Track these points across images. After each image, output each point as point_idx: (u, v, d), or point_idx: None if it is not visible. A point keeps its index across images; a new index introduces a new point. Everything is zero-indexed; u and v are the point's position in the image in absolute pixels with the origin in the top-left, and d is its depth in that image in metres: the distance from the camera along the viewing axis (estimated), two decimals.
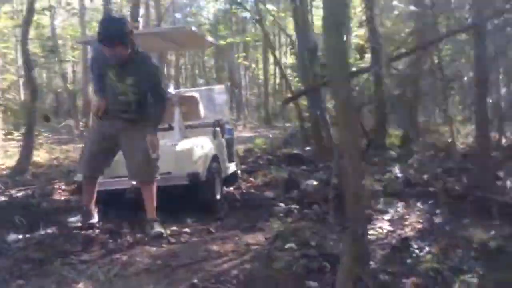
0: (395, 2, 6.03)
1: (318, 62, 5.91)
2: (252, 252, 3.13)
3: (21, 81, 14.22)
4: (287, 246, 3.11)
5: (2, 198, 4.86)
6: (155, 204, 3.69)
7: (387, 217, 3.88)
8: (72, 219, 3.80)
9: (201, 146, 4.41)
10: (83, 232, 3.56)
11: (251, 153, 8.87)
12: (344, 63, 2.32)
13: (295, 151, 8.33)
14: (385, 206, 4.09)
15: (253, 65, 33.11)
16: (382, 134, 7.96)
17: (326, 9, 2.36)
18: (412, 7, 5.19)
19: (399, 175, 5.10)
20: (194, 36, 4.97)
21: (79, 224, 3.69)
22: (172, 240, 3.49)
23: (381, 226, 3.64)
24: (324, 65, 5.34)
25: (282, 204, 4.18)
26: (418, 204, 4.23)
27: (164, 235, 3.50)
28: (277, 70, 32.02)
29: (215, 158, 4.61)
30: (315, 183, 5.26)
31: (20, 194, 5.22)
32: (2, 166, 9.22)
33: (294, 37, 7.98)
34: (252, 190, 5.35)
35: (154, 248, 3.31)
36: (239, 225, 3.90)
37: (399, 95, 7.20)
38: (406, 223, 3.75)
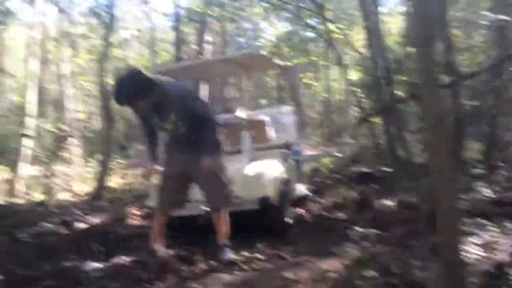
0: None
1: (393, 79, 5.61)
2: (330, 280, 2.96)
3: (98, 111, 15.06)
4: (367, 273, 2.91)
5: (82, 225, 5.04)
6: (227, 229, 3.64)
7: (476, 240, 3.55)
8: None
9: (271, 169, 4.32)
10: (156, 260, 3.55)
11: (317, 173, 8.67)
12: (435, 79, 2.15)
13: (364, 170, 8.04)
14: (473, 228, 3.75)
15: (315, 83, 32.99)
16: (459, 148, 7.46)
17: (417, 22, 2.21)
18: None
19: (486, 193, 4.70)
20: (262, 60, 4.98)
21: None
22: (245, 267, 3.40)
23: (471, 250, 3.32)
24: (407, 81, 5.04)
25: (358, 228, 3.97)
26: (511, 225, 3.84)
27: (237, 262, 3.42)
28: (341, 87, 31.82)
29: (285, 181, 4.50)
30: (391, 203, 5.01)
31: (97, 220, 5.39)
32: (81, 193, 9.72)
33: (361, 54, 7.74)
34: (323, 212, 5.16)
35: (227, 276, 3.23)
36: (313, 250, 3.74)
37: (478, 107, 6.74)
38: (498, 246, 3.40)
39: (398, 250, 3.37)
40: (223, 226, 3.63)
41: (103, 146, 7.80)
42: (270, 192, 4.12)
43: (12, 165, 11.20)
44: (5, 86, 24.64)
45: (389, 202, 5.14)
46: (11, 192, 9.70)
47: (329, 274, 3.09)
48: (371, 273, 2.91)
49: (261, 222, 4.20)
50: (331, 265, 3.27)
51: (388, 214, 4.40)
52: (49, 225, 5.03)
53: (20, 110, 12.02)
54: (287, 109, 6.00)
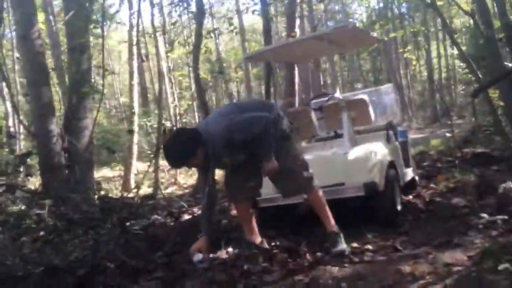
0: None
1: None
2: (455, 275, 2.61)
3: (195, 105, 15.65)
4: (500, 267, 2.51)
5: (186, 217, 5.15)
6: (330, 214, 3.43)
7: None
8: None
9: (375, 152, 4.01)
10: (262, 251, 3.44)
11: (425, 156, 8.04)
12: None
13: (479, 150, 7.28)
14: None
15: (414, 62, 31.09)
16: None
17: None
18: None
19: None
20: (357, 34, 4.63)
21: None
22: (355, 259, 3.16)
23: None
24: None
25: (484, 215, 3.51)
26: None
27: (347, 253, 3.20)
28: (444, 64, 29.60)
29: (391, 165, 4.16)
30: None
31: (200, 212, 5.48)
32: (185, 185, 10.14)
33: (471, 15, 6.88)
34: (437, 198, 4.70)
35: (337, 268, 3.02)
36: (430, 240, 3.38)
37: None
38: None
39: None
40: (325, 211, 3.42)
41: None
42: (377, 177, 3.82)
43: (123, 162, 12.05)
44: (111, 87, 26.73)
45: None
46: (124, 187, 10.44)
47: (453, 268, 2.74)
48: (504, 266, 2.50)
49: (369, 210, 3.92)
50: (454, 257, 2.90)
51: None
52: (158, 217, 5.22)
53: (126, 109, 12.87)
54: (388, 87, 5.57)
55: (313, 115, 4.67)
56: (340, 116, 4.34)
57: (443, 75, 30.34)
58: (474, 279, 2.50)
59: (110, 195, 6.63)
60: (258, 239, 3.56)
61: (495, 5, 5.31)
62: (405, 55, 14.86)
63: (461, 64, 19.79)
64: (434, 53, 29.76)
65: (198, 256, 3.35)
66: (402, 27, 24.82)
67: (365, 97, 4.46)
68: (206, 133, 3.20)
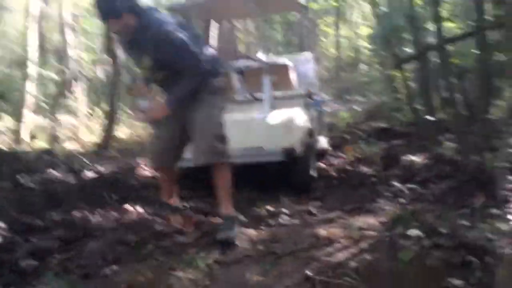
0: None
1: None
2: (368, 239, 2.67)
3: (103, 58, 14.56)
4: (411, 233, 2.61)
5: (90, 174, 4.76)
6: (230, 196, 2.94)
7: None
8: None
9: (295, 118, 3.98)
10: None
11: (333, 127, 8.32)
12: None
13: (383, 125, 7.70)
14: None
15: (323, 39, 32.04)
16: (485, 105, 7.06)
17: None
18: None
19: None
20: None
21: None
22: (271, 222, 3.12)
23: None
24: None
25: (397, 184, 3.65)
26: None
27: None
28: (351, 44, 30.93)
29: (309, 132, 4.16)
30: (419, 158, 4.69)
31: (105, 169, 5.11)
32: (87, 142, 9.44)
33: None
34: (347, 167, 4.85)
35: (253, 231, 2.95)
36: (343, 206, 3.44)
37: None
38: None
39: (441, 208, 3.06)
40: (225, 191, 2.91)
41: (109, 93, 7.41)
42: (296, 142, 3.79)
43: (16, 113, 10.89)
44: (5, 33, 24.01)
45: (417, 158, 4.84)
46: (16, 141, 9.43)
47: (366, 232, 2.80)
48: (414, 232, 2.61)
49: (286, 175, 3.90)
50: (366, 223, 2.97)
51: (420, 170, 4.08)
52: (56, 173, 4.75)
53: (21, 57, 11.57)
54: (308, 55, 5.56)
55: (234, 77, 4.50)
56: (261, 80, 4.20)
57: (350, 54, 31.82)
58: (387, 244, 2.57)
59: None
60: (175, 201, 3.24)
61: None
62: (322, 27, 15.14)
63: (367, 45, 20.87)
64: (342, 32, 30.94)
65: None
66: (316, 1, 25.43)
67: (288, 62, 4.38)
68: (146, 13, 2.78)
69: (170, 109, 2.81)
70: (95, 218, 3.12)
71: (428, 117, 4.17)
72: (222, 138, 2.91)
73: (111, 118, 7.39)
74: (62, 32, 8.83)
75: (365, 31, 23.26)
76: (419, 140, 5.84)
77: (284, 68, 4.31)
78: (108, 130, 7.36)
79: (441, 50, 3.69)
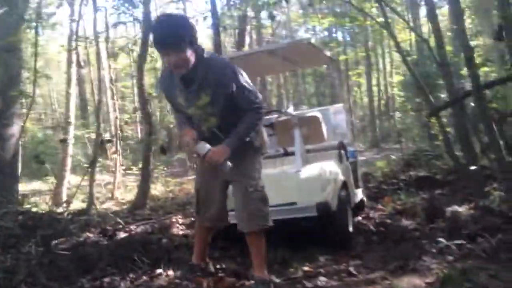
0: None
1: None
2: None
3: (138, 117, 15.06)
4: None
5: (122, 235, 4.70)
6: (265, 259, 2.87)
7: None
8: None
9: (328, 171, 3.84)
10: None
11: (369, 177, 8.08)
12: None
13: (422, 173, 7.41)
14: None
15: (355, 88, 32.15)
16: None
17: None
18: None
19: None
20: (311, 51, 4.49)
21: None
22: (308, 284, 2.92)
23: None
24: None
25: (442, 239, 3.40)
26: None
27: None
28: (384, 91, 30.87)
29: (343, 185, 4.00)
30: (465, 210, 4.42)
31: (139, 229, 5.05)
32: (123, 201, 9.54)
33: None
34: (386, 220, 4.60)
35: None
36: (385, 264, 3.21)
37: None
38: None
39: (494, 266, 2.79)
40: (261, 252, 2.82)
41: (144, 153, 7.52)
42: (330, 197, 3.64)
43: (56, 174, 11.21)
44: (47, 98, 25.34)
45: (463, 209, 4.55)
46: (55, 201, 9.63)
47: None
48: None
49: (322, 231, 3.72)
50: (412, 284, 2.74)
51: (467, 222, 3.80)
52: (89, 235, 4.73)
53: (62, 120, 12.09)
54: (338, 106, 5.50)
55: (264, 131, 4.45)
56: (291, 133, 4.13)
57: (382, 102, 31.70)
58: None
59: (36, 209, 6.01)
60: (204, 260, 3.14)
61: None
62: (354, 78, 15.27)
63: (399, 92, 20.76)
64: (373, 81, 30.98)
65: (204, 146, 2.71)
66: (345, 53, 25.82)
67: (318, 114, 4.31)
68: (205, 52, 2.69)
69: (232, 150, 2.69)
70: (125, 284, 3.00)
71: (470, 165, 3.92)
72: (266, 202, 2.82)
73: (146, 177, 7.44)
74: (100, 92, 9.17)
75: (397, 78, 23.31)
76: (462, 189, 5.55)
77: (314, 120, 4.24)
78: (143, 189, 7.39)
79: (479, 95, 3.53)
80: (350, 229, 3.96)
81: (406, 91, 17.07)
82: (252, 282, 2.78)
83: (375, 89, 31.00)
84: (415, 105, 13.62)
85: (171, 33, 2.50)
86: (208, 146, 2.68)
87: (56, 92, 27.21)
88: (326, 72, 28.94)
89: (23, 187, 10.80)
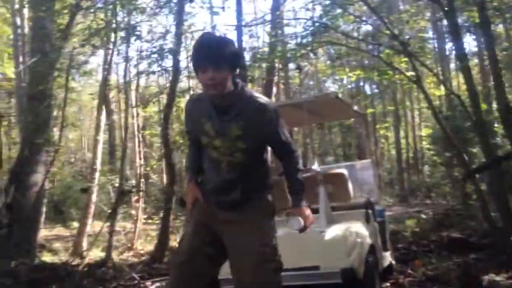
0: None
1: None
2: None
3: (163, 165, 15.09)
4: None
5: None
6: None
7: None
8: None
9: (355, 233, 3.60)
10: None
11: (398, 237, 7.68)
12: None
13: (455, 235, 7.00)
14: None
15: (383, 140, 31.81)
16: None
17: None
18: None
19: None
20: (339, 105, 4.37)
21: None
22: None
23: None
24: None
25: None
26: None
27: None
28: (412, 144, 30.42)
29: (371, 248, 3.73)
30: (500, 278, 4.07)
31: (154, 286, 4.84)
32: (142, 252, 9.35)
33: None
34: (417, 285, 4.26)
35: None
36: None
37: None
38: None
39: None
40: None
41: (164, 203, 7.41)
42: (356, 262, 3.37)
43: (78, 221, 11.20)
44: (78, 142, 25.95)
45: (501, 278, 4.19)
46: (75, 249, 9.53)
47: None
48: None
49: None
50: None
51: None
52: None
53: (88, 165, 12.22)
54: (365, 162, 5.29)
55: (286, 187, 4.27)
56: (316, 190, 3.94)
57: (410, 155, 31.15)
58: None
59: (53, 260, 5.90)
60: None
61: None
62: (381, 131, 15.08)
63: (428, 145, 20.36)
64: (401, 134, 30.63)
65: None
66: (373, 106, 25.75)
67: (344, 171, 4.12)
68: (246, 87, 2.41)
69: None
70: None
71: (508, 229, 3.61)
72: (279, 269, 2.33)
73: (165, 228, 7.30)
74: (126, 139, 9.26)
75: (425, 131, 22.96)
76: (499, 255, 5.16)
77: (340, 177, 4.04)
78: (162, 241, 7.23)
79: None
80: None
81: (435, 145, 16.74)
82: None
83: (403, 141, 30.64)
84: (445, 160, 13.23)
85: (213, 47, 2.22)
86: (300, 219, 2.40)
87: (87, 137, 27.94)
88: (352, 124, 28.90)
89: (47, 231, 10.81)
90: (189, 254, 2.33)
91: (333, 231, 3.58)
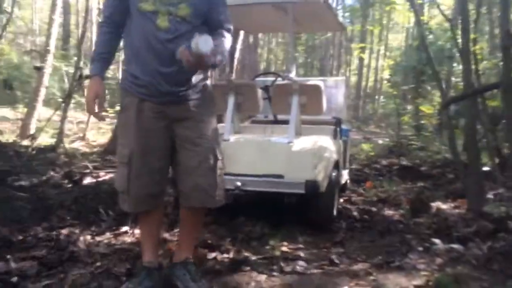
0: None
1: None
2: None
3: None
4: None
5: (89, 180, 4.36)
6: (193, 242, 2.36)
7: None
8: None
9: (323, 148, 3.55)
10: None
11: (351, 158, 7.88)
12: None
13: (405, 163, 7.26)
14: None
15: (344, 65, 31.80)
16: None
17: None
18: None
19: None
20: (326, 14, 4.10)
21: None
22: (286, 267, 2.67)
23: None
24: None
25: (436, 240, 3.19)
26: None
27: None
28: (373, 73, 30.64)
29: (335, 165, 3.73)
30: (452, 208, 4.27)
31: (108, 177, 4.71)
32: (94, 143, 9.11)
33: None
34: (370, 207, 4.39)
35: (264, 277, 2.52)
36: (368, 256, 2.99)
37: None
38: None
39: (486, 276, 2.60)
40: (195, 233, 2.36)
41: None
42: (320, 175, 3.36)
43: (26, 103, 10.62)
44: (29, 23, 24.09)
45: (447, 206, 4.40)
46: (23, 133, 9.13)
47: None
48: None
49: (305, 210, 3.47)
50: (399, 284, 2.52)
51: (457, 223, 3.61)
52: (54, 174, 4.38)
53: (41, 46, 11.37)
54: (339, 79, 5.15)
55: (259, 92, 4.10)
56: (289, 100, 3.81)
57: (370, 84, 31.56)
58: None
59: None
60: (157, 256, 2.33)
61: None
62: (356, 52, 14.89)
63: (387, 76, 20.53)
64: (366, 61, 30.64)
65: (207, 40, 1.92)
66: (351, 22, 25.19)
67: (320, 84, 3.97)
68: None
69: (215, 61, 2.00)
70: (84, 238, 2.69)
71: (473, 165, 3.65)
72: (222, 173, 2.22)
73: None
74: (84, 26, 8.53)
75: (388, 62, 23.06)
76: (449, 185, 5.39)
77: (316, 89, 3.90)
78: (115, 132, 7.00)
79: (509, 89, 3.17)
80: (334, 212, 3.73)
81: (396, 76, 16.90)
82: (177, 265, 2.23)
83: (364, 70, 30.77)
84: (401, 92, 13.44)
85: None
86: (210, 38, 1.90)
87: (39, 19, 25.88)
88: (318, 44, 28.48)
89: None
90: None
91: (301, 143, 3.53)
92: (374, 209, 4.30)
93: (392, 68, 18.13)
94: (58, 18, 9.91)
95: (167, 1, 2.02)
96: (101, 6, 11.33)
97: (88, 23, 9.46)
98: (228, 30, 2.22)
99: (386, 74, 26.17)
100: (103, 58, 2.13)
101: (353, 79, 30.75)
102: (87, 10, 8.31)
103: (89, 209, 3.33)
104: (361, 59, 27.97)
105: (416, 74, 9.67)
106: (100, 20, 2.18)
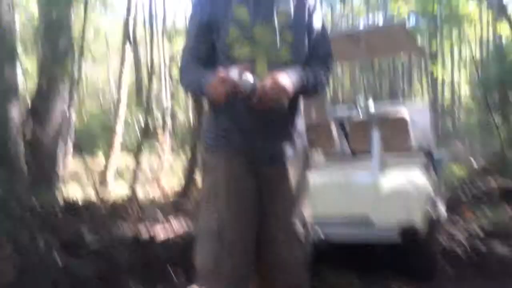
0: None
1: None
2: None
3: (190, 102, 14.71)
4: None
5: (160, 234, 4.13)
6: None
7: None
8: None
9: (417, 184, 3.02)
10: None
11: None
12: None
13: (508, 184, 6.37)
14: None
15: (416, 84, 30.33)
16: None
17: None
18: None
19: None
20: (403, 38, 3.67)
21: None
22: None
23: None
24: None
25: None
26: None
27: None
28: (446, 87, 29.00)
29: (433, 202, 3.16)
30: None
31: (178, 227, 4.48)
32: (167, 188, 9.10)
33: None
34: (477, 243, 3.73)
35: None
36: None
37: None
38: None
39: None
40: None
41: (192, 140, 7.01)
42: (417, 217, 2.82)
43: (105, 155, 11.03)
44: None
45: None
46: (102, 182, 9.37)
47: None
48: None
49: (402, 258, 2.94)
50: None
51: None
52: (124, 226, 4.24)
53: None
54: (421, 105, 4.59)
55: (334, 128, 3.69)
56: (368, 135, 3.31)
57: (446, 102, 29.76)
58: None
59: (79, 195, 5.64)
60: None
61: None
62: (435, 73, 14.23)
63: (466, 91, 19.18)
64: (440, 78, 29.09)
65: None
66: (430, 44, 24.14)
67: (405, 115, 3.45)
68: None
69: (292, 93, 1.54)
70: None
71: None
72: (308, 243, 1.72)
73: (192, 166, 6.93)
74: (151, 75, 8.75)
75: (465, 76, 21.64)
76: None
77: (400, 122, 3.39)
78: (188, 180, 6.89)
79: None
80: (437, 256, 3.15)
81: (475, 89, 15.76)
82: None
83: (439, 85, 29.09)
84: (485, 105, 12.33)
85: None
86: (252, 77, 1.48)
87: (115, 75, 27.51)
88: (386, 66, 27.49)
89: (74, 163, 10.65)
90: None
91: (391, 180, 3.01)
92: (480, 243, 3.64)
93: (476, 82, 16.87)
94: (127, 71, 10.28)
95: (266, 46, 1.62)
96: (167, 62, 11.64)
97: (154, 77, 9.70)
98: (326, 64, 1.73)
99: (465, 89, 24.60)
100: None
101: (425, 96, 29.21)
102: (152, 63, 8.48)
103: (157, 269, 3.06)
104: (432, 76, 26.58)
105: (501, 86, 8.79)
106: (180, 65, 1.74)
